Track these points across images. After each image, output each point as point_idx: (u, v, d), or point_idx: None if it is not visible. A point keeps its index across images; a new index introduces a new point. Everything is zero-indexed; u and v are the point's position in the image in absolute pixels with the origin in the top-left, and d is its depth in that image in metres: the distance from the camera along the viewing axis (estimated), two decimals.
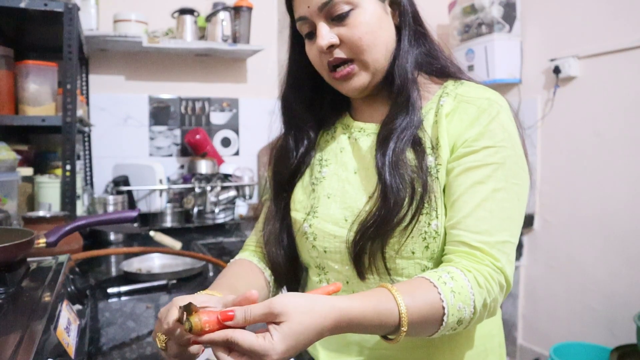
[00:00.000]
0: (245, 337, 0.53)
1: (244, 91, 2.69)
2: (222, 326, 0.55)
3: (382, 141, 0.78)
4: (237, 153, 2.68)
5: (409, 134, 0.76)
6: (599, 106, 2.26)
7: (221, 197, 2.29)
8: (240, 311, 0.56)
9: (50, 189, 1.62)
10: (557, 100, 2.44)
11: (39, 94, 1.56)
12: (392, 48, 0.80)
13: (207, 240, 2.01)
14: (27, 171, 1.66)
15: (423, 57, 0.83)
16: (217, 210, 2.30)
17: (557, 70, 2.37)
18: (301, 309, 0.56)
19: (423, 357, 0.79)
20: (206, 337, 0.55)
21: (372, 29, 0.76)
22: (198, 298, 0.63)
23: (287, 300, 0.56)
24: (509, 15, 2.58)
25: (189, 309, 0.56)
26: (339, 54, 0.77)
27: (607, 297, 2.24)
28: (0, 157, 1.40)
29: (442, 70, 0.84)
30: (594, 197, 2.30)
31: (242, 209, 2.54)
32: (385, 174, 0.74)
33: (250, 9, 2.44)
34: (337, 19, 0.76)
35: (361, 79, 0.80)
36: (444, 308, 0.64)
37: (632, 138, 2.13)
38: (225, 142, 2.66)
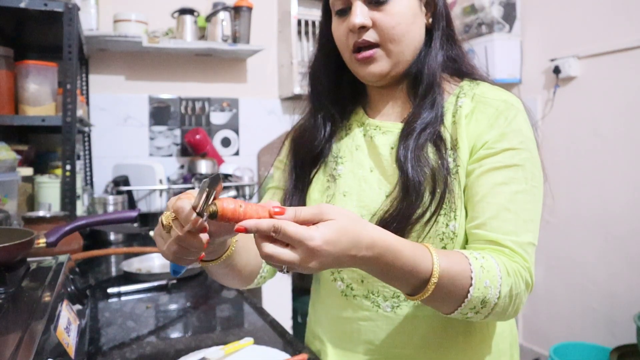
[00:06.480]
0: (291, 224, 0.55)
1: (244, 91, 2.69)
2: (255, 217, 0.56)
3: (405, 137, 0.78)
4: (237, 153, 2.68)
5: (432, 129, 0.77)
6: (599, 106, 2.26)
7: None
8: (291, 209, 0.57)
9: (50, 189, 1.62)
10: (557, 100, 2.44)
11: (39, 94, 1.56)
12: (418, 46, 0.81)
13: None
14: (27, 171, 1.66)
15: (448, 59, 0.84)
16: None
17: (557, 70, 2.37)
18: (349, 216, 0.59)
19: (435, 357, 0.79)
20: (252, 222, 0.55)
21: (406, 21, 0.77)
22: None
23: (337, 208, 0.59)
24: (509, 15, 2.58)
25: (214, 184, 0.55)
26: (368, 36, 0.78)
27: (607, 297, 2.24)
28: (0, 157, 1.40)
29: (461, 70, 0.85)
30: (594, 197, 2.30)
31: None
32: (407, 168, 0.74)
33: (250, 9, 2.44)
34: (376, 3, 0.77)
35: (382, 65, 0.80)
36: (471, 279, 0.64)
37: (632, 138, 2.13)
38: (225, 142, 2.66)
